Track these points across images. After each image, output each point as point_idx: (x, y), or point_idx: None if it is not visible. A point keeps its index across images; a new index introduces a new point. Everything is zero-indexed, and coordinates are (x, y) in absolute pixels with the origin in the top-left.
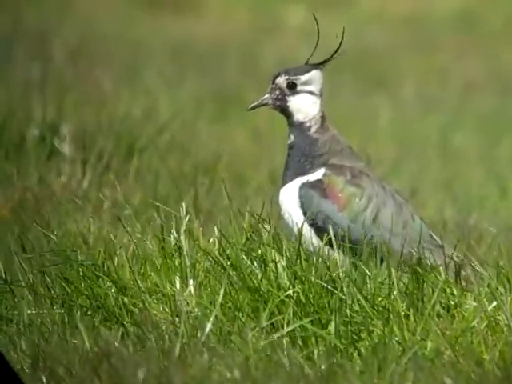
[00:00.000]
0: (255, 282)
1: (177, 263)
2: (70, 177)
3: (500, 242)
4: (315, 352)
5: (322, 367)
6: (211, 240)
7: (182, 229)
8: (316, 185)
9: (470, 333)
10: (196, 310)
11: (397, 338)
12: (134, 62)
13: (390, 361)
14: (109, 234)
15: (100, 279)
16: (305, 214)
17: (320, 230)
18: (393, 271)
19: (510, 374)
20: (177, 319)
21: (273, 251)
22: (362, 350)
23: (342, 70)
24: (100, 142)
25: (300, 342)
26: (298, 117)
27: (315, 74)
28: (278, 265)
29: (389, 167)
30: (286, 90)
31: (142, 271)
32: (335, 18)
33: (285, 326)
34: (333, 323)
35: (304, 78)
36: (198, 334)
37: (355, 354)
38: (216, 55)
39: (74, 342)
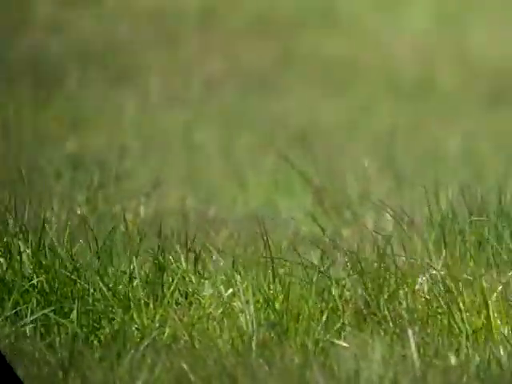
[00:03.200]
0: (0, 271)
1: None
2: None
3: (238, 231)
4: (57, 340)
5: (64, 355)
6: None
7: None
8: None
9: (206, 319)
10: None
11: (136, 326)
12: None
13: (130, 347)
14: None
15: None
16: None
17: None
18: (134, 260)
19: (244, 358)
20: None
21: (19, 241)
22: (102, 337)
23: (87, 66)
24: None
25: (43, 330)
26: None
27: None
28: (23, 254)
29: (134, 161)
30: None
31: None
32: (81, 13)
33: (28, 315)
34: (75, 312)
35: None
36: None
37: (95, 342)
38: None
39: None
